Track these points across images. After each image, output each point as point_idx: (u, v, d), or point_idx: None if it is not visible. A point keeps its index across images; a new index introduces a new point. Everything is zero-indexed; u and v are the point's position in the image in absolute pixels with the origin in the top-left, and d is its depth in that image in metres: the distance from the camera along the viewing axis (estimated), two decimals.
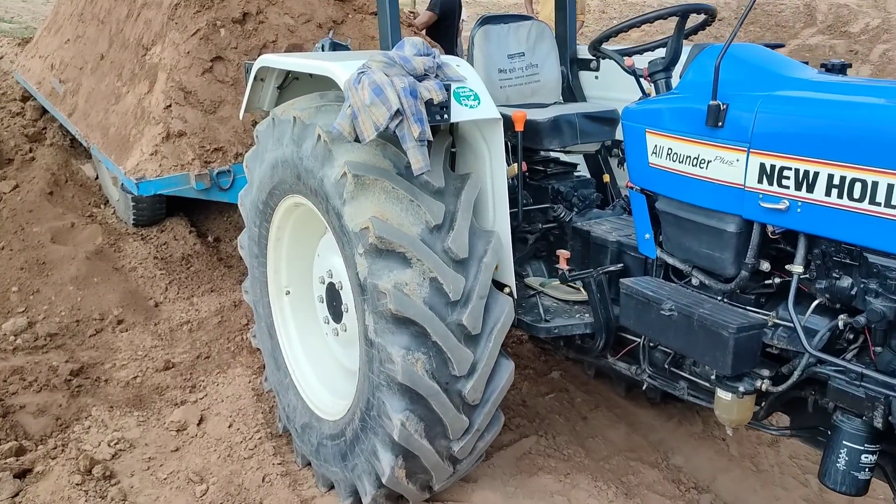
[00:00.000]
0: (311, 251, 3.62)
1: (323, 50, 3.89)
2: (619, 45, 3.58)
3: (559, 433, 3.98)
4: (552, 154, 3.74)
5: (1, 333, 4.77)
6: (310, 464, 3.53)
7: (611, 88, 4.02)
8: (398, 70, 2.67)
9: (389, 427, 2.76)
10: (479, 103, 2.90)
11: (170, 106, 4.92)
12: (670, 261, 2.77)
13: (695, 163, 2.50)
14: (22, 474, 3.47)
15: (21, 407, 3.96)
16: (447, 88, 2.71)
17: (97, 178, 7.20)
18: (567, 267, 3.38)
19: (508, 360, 2.95)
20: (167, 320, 5.11)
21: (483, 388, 2.84)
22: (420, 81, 2.70)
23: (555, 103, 3.90)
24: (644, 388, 3.12)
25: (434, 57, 2.87)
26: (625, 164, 3.63)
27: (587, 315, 3.11)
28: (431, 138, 2.63)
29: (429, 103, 2.64)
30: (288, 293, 3.76)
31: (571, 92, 4.12)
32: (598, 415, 4.20)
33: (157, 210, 6.38)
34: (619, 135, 3.64)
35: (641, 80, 3.08)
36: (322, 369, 3.61)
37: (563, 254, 3.37)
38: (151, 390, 4.25)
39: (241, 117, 3.79)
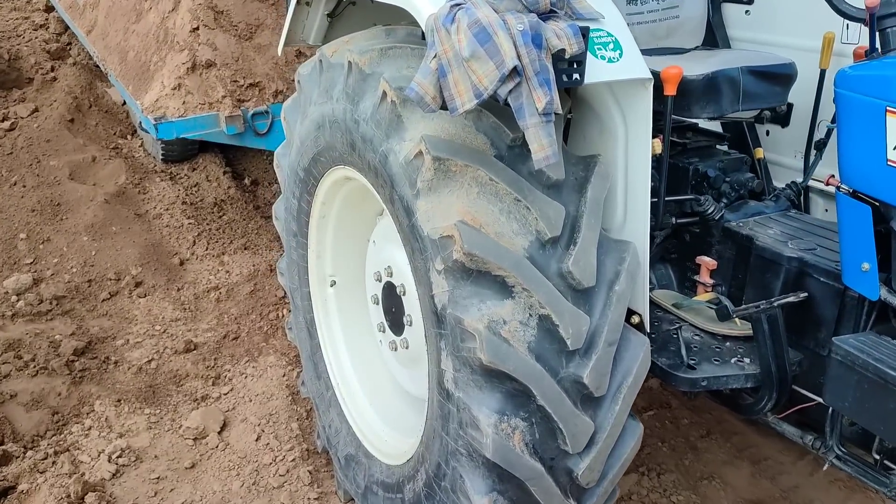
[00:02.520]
0: (364, 236, 2.79)
1: None
2: None
3: (665, 469, 3.17)
4: (689, 120, 2.78)
5: (2, 291, 4.10)
6: (353, 500, 2.80)
7: (768, 29, 2.98)
8: (513, 3, 1.74)
9: None
10: (621, 55, 1.96)
11: (197, 28, 4.04)
12: None
13: None
14: (3, 493, 2.81)
15: (12, 396, 3.29)
16: (583, 34, 1.78)
17: (125, 103, 6.39)
18: (711, 281, 2.47)
19: (637, 423, 2.11)
20: (192, 284, 4.38)
21: (603, 465, 2.02)
22: (545, 22, 1.77)
23: (695, 48, 2.91)
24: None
25: None
26: (820, 152, 2.65)
27: (748, 360, 2.23)
28: (561, 110, 1.72)
29: (558, 56, 1.72)
30: (333, 284, 2.94)
31: (711, 33, 3.09)
32: (711, 445, 3.37)
33: (189, 145, 5.57)
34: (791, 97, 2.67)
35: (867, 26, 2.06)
36: (375, 388, 2.83)
37: (707, 263, 2.46)
38: (168, 379, 3.54)
39: (279, 52, 2.89)
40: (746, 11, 3.08)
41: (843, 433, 2.10)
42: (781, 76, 2.50)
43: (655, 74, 2.20)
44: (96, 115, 6.26)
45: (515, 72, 1.63)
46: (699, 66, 2.43)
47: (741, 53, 2.72)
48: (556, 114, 1.70)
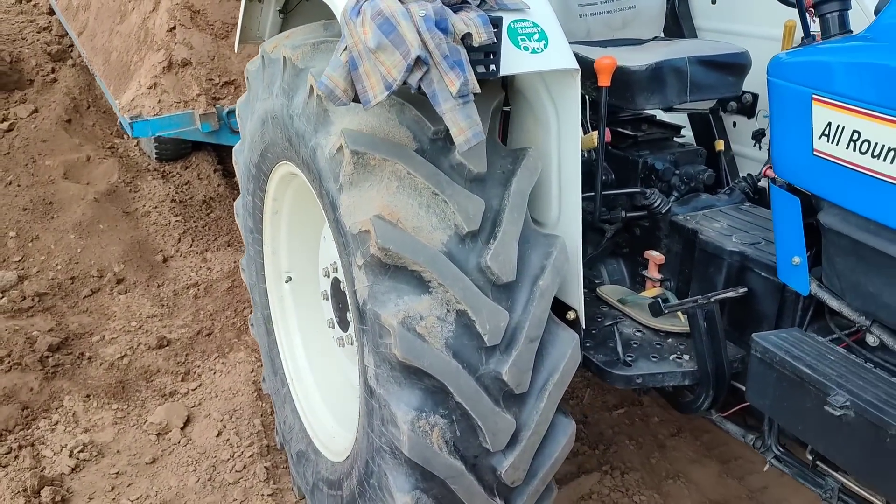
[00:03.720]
0: (317, 231, 2.77)
1: None
2: None
3: (630, 468, 3.12)
4: (645, 112, 2.73)
5: None
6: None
7: (735, 19, 2.92)
8: None
9: None
10: (545, 46, 1.92)
11: (174, 28, 4.06)
12: (834, 304, 1.79)
13: None
14: None
15: None
16: (496, 24, 1.74)
17: None
18: (659, 276, 2.43)
19: (568, 420, 2.07)
20: (173, 281, 4.40)
21: (528, 464, 1.98)
22: (455, 12, 1.74)
23: (654, 39, 2.85)
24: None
25: None
26: (758, 142, 2.61)
27: (687, 356, 2.17)
28: (478, 88, 1.69)
29: (469, 45, 1.69)
30: (289, 280, 2.94)
31: (678, 24, 3.03)
32: (679, 443, 3.31)
33: (183, 144, 5.62)
34: (752, 87, 2.61)
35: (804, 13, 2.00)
36: (327, 385, 2.82)
37: (654, 258, 2.41)
38: (139, 374, 3.57)
39: (235, 49, 2.89)
40: (713, 1, 3.02)
41: (782, 432, 2.04)
42: (733, 65, 2.44)
43: (587, 64, 2.16)
44: (94, 115, 6.33)
45: (421, 59, 1.60)
46: (646, 56, 2.38)
47: (696, 43, 2.67)
48: (473, 93, 1.67)
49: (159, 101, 3.94)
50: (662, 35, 2.94)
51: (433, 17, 1.62)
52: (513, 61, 1.86)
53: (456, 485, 1.90)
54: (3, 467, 2.93)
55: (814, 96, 1.71)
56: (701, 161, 2.61)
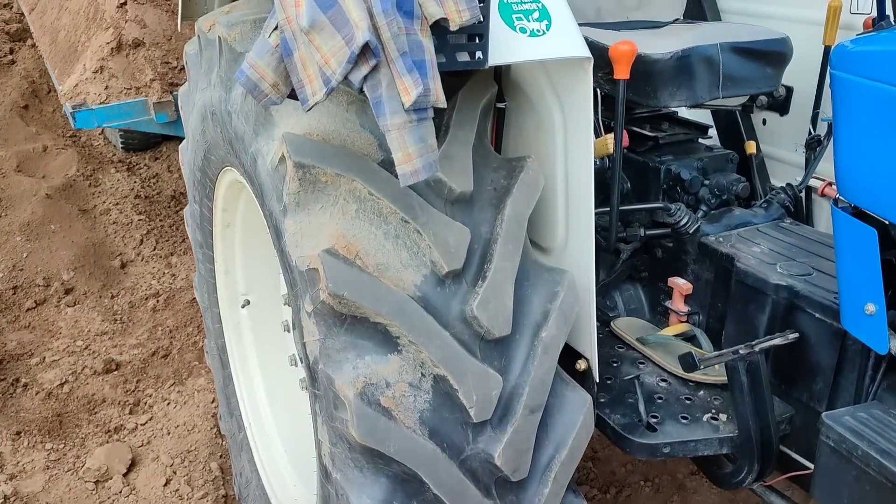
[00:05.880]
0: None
1: None
2: None
3: None
4: (667, 108, 2.29)
5: None
6: None
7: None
8: None
9: None
10: (548, 27, 1.48)
11: (125, 4, 3.58)
12: None
13: None
14: None
15: None
16: None
17: None
18: (685, 309, 2.00)
19: (578, 499, 1.64)
20: (130, 290, 3.96)
21: None
22: None
23: (675, 22, 2.40)
24: None
25: None
26: (813, 152, 2.17)
27: (725, 416, 1.75)
28: (443, 101, 1.24)
29: (440, 28, 1.24)
30: (246, 304, 2.50)
31: (699, 4, 2.58)
32: (700, 484, 2.90)
33: (151, 132, 5.14)
34: (786, 79, 2.17)
35: None
36: (292, 434, 2.38)
37: (680, 287, 1.98)
38: (80, 405, 3.13)
39: (178, 28, 2.43)
40: None
41: None
42: (772, 54, 2.01)
43: (600, 51, 1.72)
44: (54, 100, 5.83)
45: (369, 49, 1.15)
46: (670, 42, 1.94)
47: (726, 27, 2.23)
48: (434, 107, 1.22)
49: (106, 88, 3.47)
50: (682, 17, 2.49)
51: None
52: (506, 47, 1.42)
53: None
54: None
55: None
56: (732, 168, 2.18)
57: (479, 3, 1.30)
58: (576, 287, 1.56)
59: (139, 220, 4.64)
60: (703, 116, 2.55)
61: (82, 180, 4.98)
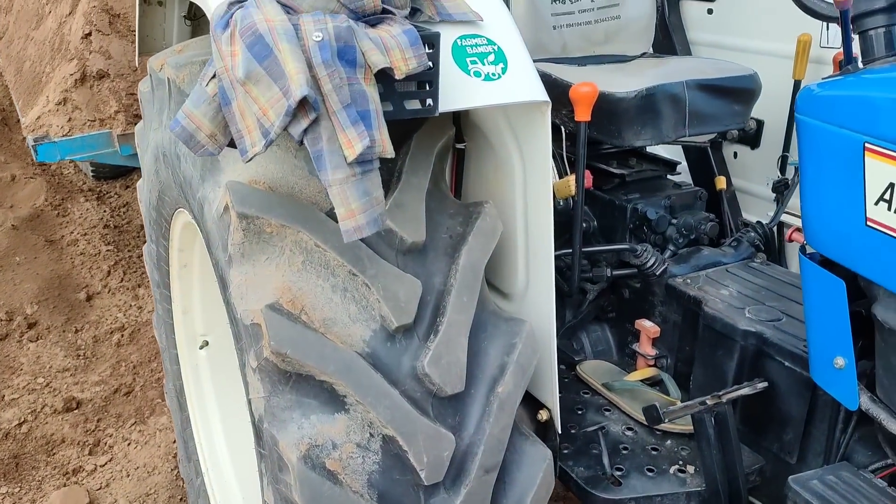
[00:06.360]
0: None
1: None
2: None
3: None
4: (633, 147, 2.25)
5: None
6: None
7: (736, 31, 2.46)
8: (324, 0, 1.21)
9: None
10: (504, 70, 1.43)
11: (89, 35, 3.51)
12: (894, 428, 1.31)
13: None
14: None
15: None
16: (431, 43, 1.25)
17: None
18: (653, 353, 1.95)
19: None
20: (94, 324, 3.85)
21: None
22: (374, 25, 1.24)
23: (643, 56, 2.37)
24: None
25: None
26: (781, 196, 2.16)
27: (692, 468, 1.69)
28: (390, 152, 1.18)
29: (385, 77, 1.19)
30: (205, 346, 2.41)
31: (668, 36, 2.56)
32: None
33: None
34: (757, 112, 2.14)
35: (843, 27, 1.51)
36: (252, 486, 2.28)
37: (648, 330, 1.93)
38: (39, 446, 3.02)
39: (136, 63, 2.38)
40: (709, 10, 2.56)
41: None
42: (740, 91, 1.98)
43: (561, 89, 1.68)
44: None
45: (308, 103, 1.09)
46: (635, 80, 1.90)
47: (694, 63, 2.19)
48: (379, 157, 1.16)
49: (70, 120, 3.39)
50: (651, 51, 2.46)
51: (332, 45, 1.11)
52: (459, 92, 1.37)
53: None
54: None
55: (867, 145, 1.24)
56: (701, 205, 2.14)
57: (429, 49, 1.26)
58: (534, 338, 1.50)
59: (107, 250, 4.53)
60: (673, 150, 2.53)
61: (50, 210, 4.88)
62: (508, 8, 1.57)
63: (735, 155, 2.55)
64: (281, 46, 1.09)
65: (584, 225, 2.07)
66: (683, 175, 2.48)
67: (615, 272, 2.00)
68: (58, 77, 3.52)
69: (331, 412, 1.34)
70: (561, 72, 1.96)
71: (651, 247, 1.95)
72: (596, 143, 2.05)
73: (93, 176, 5.31)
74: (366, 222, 1.14)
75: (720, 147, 2.47)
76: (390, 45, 1.18)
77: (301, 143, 1.14)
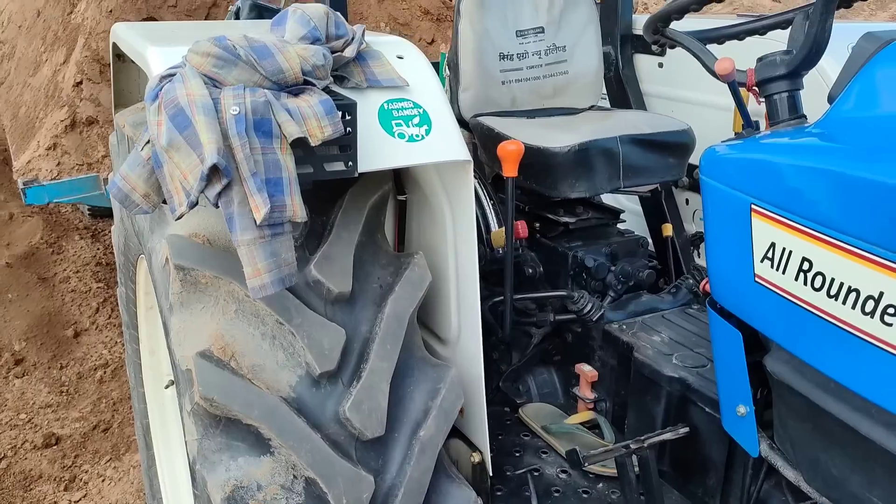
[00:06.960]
0: None
1: (237, 16, 2.55)
2: (701, 19, 2.15)
3: None
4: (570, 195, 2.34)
5: None
6: None
7: (684, 84, 2.57)
8: (248, 72, 1.32)
9: None
10: (428, 132, 1.54)
11: (80, 83, 3.67)
12: (790, 475, 1.38)
13: (870, 306, 1.10)
14: None
15: None
16: (348, 111, 1.35)
17: None
18: (591, 396, 2.02)
19: None
20: (79, 361, 3.94)
21: None
22: (295, 95, 1.35)
23: (591, 109, 2.48)
24: None
25: (348, 39, 1.51)
26: (696, 248, 2.25)
27: None
28: (302, 216, 1.28)
29: (305, 143, 1.30)
30: (170, 385, 2.50)
31: (622, 89, 2.68)
32: None
33: None
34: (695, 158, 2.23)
35: (743, 94, 1.62)
36: None
37: (586, 374, 2.01)
38: (16, 482, 3.09)
39: (113, 115, 2.50)
40: (660, 64, 2.68)
41: None
42: (674, 145, 2.07)
43: (489, 145, 1.78)
44: None
45: (220, 171, 1.20)
46: (571, 135, 2.00)
47: (633, 117, 2.29)
48: (291, 221, 1.26)
49: (59, 164, 3.53)
50: (600, 103, 2.57)
51: (249, 117, 1.23)
52: (382, 152, 1.47)
53: None
54: None
55: (753, 206, 1.33)
56: (643, 253, 2.22)
57: (347, 116, 1.36)
58: (458, 384, 1.58)
59: (97, 287, 4.65)
60: (631, 197, 2.62)
61: (45, 248, 5.01)
62: (443, 73, 1.68)
63: (687, 202, 2.64)
64: (198, 118, 1.20)
65: (531, 271, 2.16)
66: (637, 221, 2.57)
67: (558, 317, 2.09)
68: (49, 123, 3.67)
69: (257, 455, 1.42)
70: (503, 126, 2.07)
71: (589, 293, 2.03)
72: (535, 198, 2.15)
73: (89, 214, 5.44)
74: (270, 281, 1.24)
75: (671, 195, 2.56)
76: (307, 115, 1.29)
77: (216, 205, 1.24)
